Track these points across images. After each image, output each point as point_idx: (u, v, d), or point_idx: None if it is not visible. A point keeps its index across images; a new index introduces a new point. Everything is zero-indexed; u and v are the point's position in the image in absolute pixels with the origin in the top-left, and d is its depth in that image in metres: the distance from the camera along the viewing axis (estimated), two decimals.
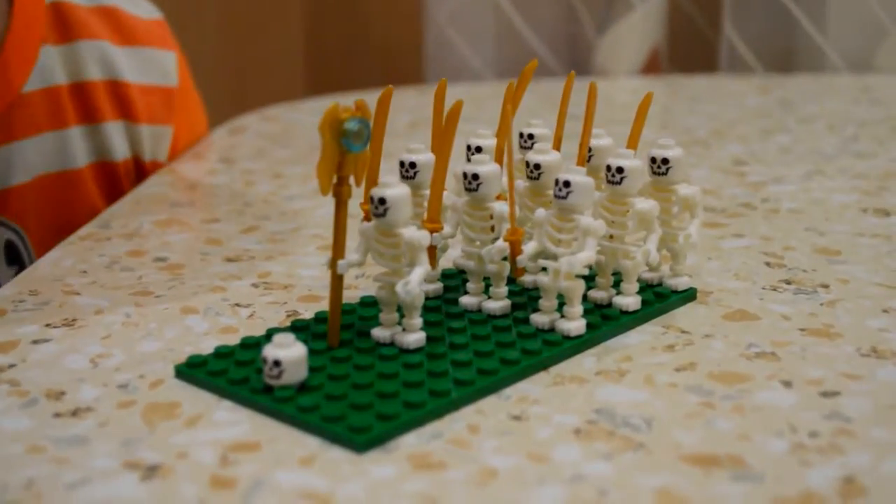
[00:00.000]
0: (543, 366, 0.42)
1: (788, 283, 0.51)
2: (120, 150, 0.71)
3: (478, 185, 0.45)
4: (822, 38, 1.08)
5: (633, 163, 0.45)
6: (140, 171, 0.74)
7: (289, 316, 0.48)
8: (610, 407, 0.39)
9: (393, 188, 0.41)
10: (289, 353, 0.39)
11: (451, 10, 1.14)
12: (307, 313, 0.48)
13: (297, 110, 0.95)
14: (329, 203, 0.66)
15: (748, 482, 0.34)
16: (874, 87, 1.03)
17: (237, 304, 0.49)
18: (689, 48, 1.21)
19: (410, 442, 0.37)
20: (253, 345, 0.43)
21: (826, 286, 0.51)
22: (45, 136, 0.67)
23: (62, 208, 0.68)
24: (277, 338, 0.39)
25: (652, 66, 1.14)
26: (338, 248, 0.42)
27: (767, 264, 0.54)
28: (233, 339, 0.45)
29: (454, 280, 0.50)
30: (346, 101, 0.42)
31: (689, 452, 0.36)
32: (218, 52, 1.30)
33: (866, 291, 0.50)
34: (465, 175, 0.45)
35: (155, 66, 0.74)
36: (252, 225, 0.61)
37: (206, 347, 0.44)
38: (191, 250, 0.57)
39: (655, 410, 0.39)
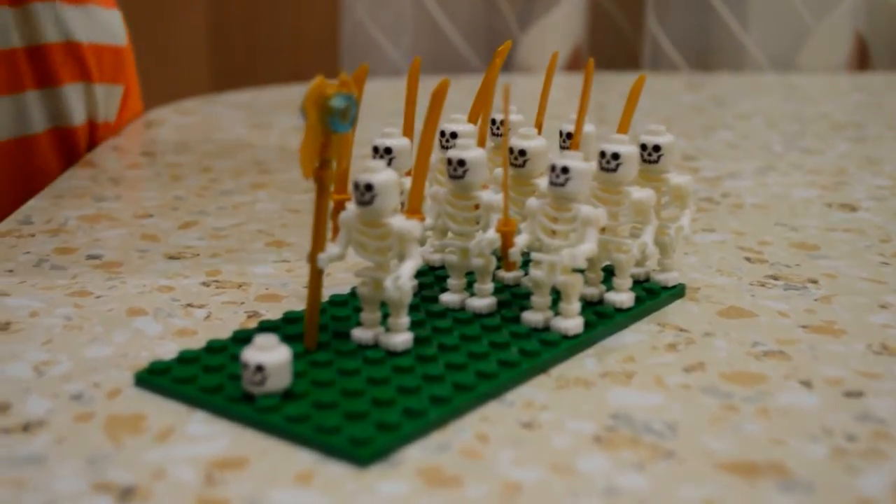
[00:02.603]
0: (543, 368, 0.39)
1: (775, 278, 0.49)
2: (78, 113, 0.69)
3: (464, 171, 0.41)
4: (746, 36, 1.07)
5: (629, 149, 0.42)
6: (93, 132, 0.72)
7: (250, 317, 0.44)
8: (626, 412, 0.36)
9: (380, 173, 0.37)
10: (272, 356, 0.35)
11: (369, 2, 1.10)
12: (269, 313, 0.44)
13: (215, 103, 0.90)
14: (270, 199, 0.62)
15: (798, 492, 0.31)
16: (800, 86, 1.02)
17: (189, 305, 0.45)
18: (610, 46, 1.19)
19: (416, 454, 0.33)
20: (220, 348, 0.39)
21: (815, 281, 0.48)
22: (1, 101, 0.64)
23: (18, 176, 0.65)
24: (259, 339, 0.35)
25: (574, 64, 1.12)
26: (318, 239, 0.38)
27: (748, 259, 0.51)
28: (193, 343, 0.40)
29: (426, 277, 0.46)
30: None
31: (725, 460, 0.33)
32: None
33: (857, 287, 0.48)
34: (449, 161, 0.42)
35: (103, 26, 0.72)
36: (189, 220, 0.57)
37: (165, 352, 0.40)
38: (126, 247, 0.52)
39: (676, 415, 0.36)
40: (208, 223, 0.56)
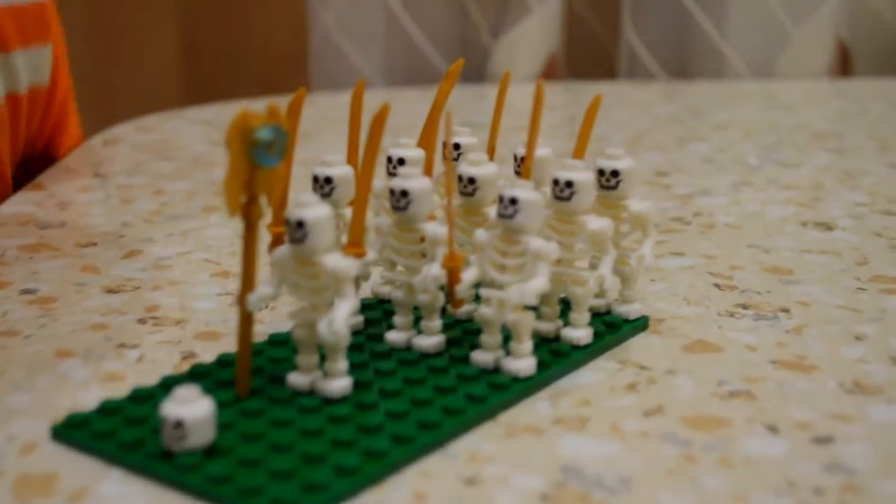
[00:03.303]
0: (491, 414, 0.36)
1: (745, 307, 0.46)
2: None
3: (407, 203, 0.39)
4: (724, 42, 1.05)
5: (584, 176, 0.39)
6: (15, 106, 0.64)
7: (185, 358, 0.41)
8: (577, 464, 0.33)
9: (312, 208, 0.35)
10: (193, 410, 0.32)
11: (338, 13, 1.08)
12: (206, 355, 0.41)
13: (177, 119, 0.87)
14: (222, 223, 0.60)
15: None
16: (780, 93, 1.00)
17: (122, 345, 0.42)
18: (586, 54, 1.16)
19: None
20: (145, 397, 0.36)
21: (786, 310, 0.46)
22: None
23: None
24: (179, 392, 0.32)
25: (549, 73, 1.09)
26: (247, 279, 0.36)
27: (717, 286, 0.49)
28: (120, 390, 0.38)
29: (374, 311, 0.44)
30: (253, 106, 0.35)
31: None
32: (83, 57, 1.20)
33: (831, 315, 0.45)
34: (392, 192, 0.39)
35: None
36: (134, 249, 0.54)
37: (89, 401, 0.37)
38: (64, 280, 0.49)
39: (630, 467, 0.33)
40: (153, 252, 0.53)
